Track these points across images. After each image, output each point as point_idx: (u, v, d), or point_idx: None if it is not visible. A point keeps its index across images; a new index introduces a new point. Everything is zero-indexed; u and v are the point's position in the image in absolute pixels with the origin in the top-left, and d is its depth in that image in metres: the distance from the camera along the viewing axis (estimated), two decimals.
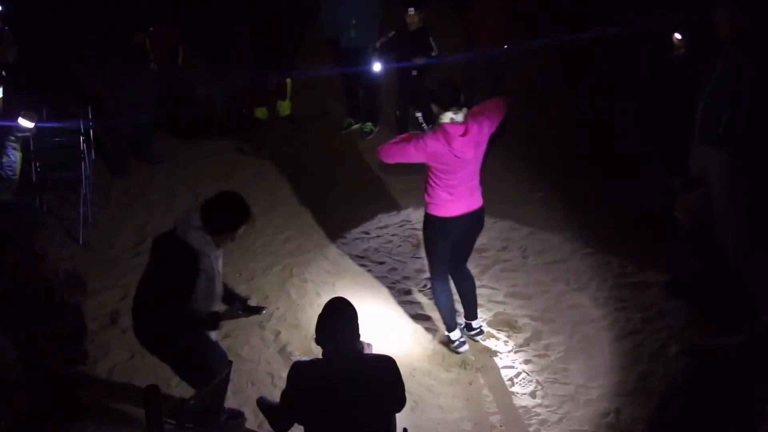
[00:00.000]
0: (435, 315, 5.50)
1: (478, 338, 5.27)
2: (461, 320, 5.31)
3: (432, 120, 7.25)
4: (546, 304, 5.59)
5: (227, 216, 4.02)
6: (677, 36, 5.50)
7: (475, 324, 5.27)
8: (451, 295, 5.19)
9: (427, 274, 5.85)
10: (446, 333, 5.24)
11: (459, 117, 4.66)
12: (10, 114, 5.26)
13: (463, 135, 4.64)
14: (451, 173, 4.74)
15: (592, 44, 7.83)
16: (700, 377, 2.76)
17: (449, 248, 5.02)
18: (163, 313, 4.01)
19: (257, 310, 4.24)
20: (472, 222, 4.98)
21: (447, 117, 4.66)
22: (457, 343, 5.20)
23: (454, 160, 4.68)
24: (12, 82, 5.92)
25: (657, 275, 5.58)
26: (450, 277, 5.18)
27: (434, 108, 4.77)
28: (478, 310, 5.32)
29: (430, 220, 4.97)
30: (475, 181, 4.90)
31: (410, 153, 4.73)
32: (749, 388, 2.69)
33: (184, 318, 4.03)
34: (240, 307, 4.20)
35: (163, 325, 4.08)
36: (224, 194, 4.09)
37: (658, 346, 4.98)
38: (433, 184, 4.83)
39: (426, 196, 4.92)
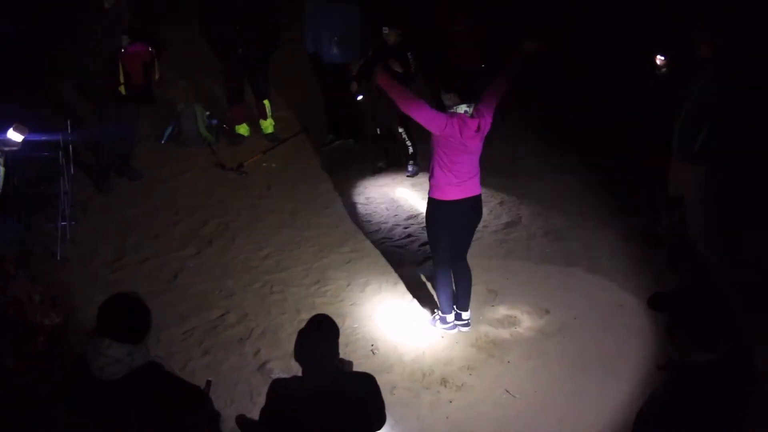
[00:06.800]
0: (415, 332, 5.50)
1: (464, 329, 5.46)
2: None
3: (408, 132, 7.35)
4: (529, 323, 5.60)
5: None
6: (659, 57, 5.59)
7: (465, 315, 5.45)
8: (450, 283, 5.39)
9: (405, 288, 5.95)
10: (441, 314, 5.45)
11: (471, 111, 4.85)
12: None
13: (477, 131, 4.86)
14: (456, 159, 4.92)
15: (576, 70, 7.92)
16: (678, 392, 2.78)
17: (449, 234, 5.16)
18: None
19: None
20: (470, 209, 5.12)
21: (461, 109, 4.84)
22: (450, 325, 5.45)
23: (461, 147, 4.88)
24: None
25: (638, 292, 5.66)
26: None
27: (448, 98, 4.87)
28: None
29: (432, 204, 5.13)
30: (476, 170, 5.05)
31: (429, 115, 4.81)
32: (725, 403, 2.72)
33: None
34: None
35: None
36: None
37: (640, 365, 5.02)
38: (437, 166, 4.97)
39: (431, 180, 5.07)
